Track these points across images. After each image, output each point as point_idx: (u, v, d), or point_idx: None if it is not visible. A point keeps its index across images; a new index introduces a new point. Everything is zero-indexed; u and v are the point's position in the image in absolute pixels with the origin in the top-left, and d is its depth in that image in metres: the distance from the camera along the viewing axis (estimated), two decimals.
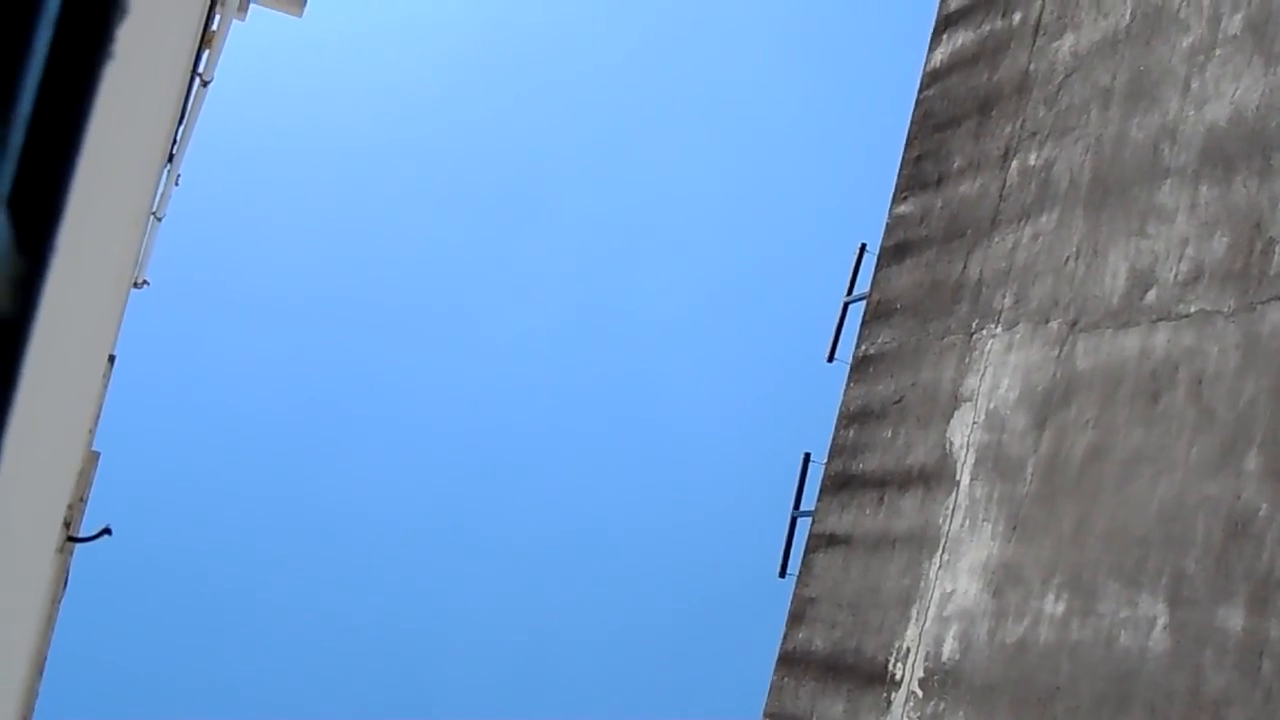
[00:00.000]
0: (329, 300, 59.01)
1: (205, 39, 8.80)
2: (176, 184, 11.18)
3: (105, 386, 8.27)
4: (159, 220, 10.89)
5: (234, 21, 9.73)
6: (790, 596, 10.13)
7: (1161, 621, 6.48)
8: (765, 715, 9.89)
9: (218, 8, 8.81)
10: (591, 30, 61.55)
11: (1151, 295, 7.23)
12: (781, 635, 10.06)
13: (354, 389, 58.25)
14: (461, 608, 56.58)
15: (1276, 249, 6.41)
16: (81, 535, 8.34)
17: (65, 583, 8.76)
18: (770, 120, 60.18)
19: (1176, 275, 7.07)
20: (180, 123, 9.27)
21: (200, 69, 9.22)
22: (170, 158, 9.67)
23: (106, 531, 8.57)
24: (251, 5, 10.82)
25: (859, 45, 59.34)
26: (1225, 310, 6.65)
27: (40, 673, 8.65)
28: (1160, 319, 7.10)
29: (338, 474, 56.92)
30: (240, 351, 57.17)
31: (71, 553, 8.47)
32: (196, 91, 9.54)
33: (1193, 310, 6.88)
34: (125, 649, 51.32)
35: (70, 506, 7.71)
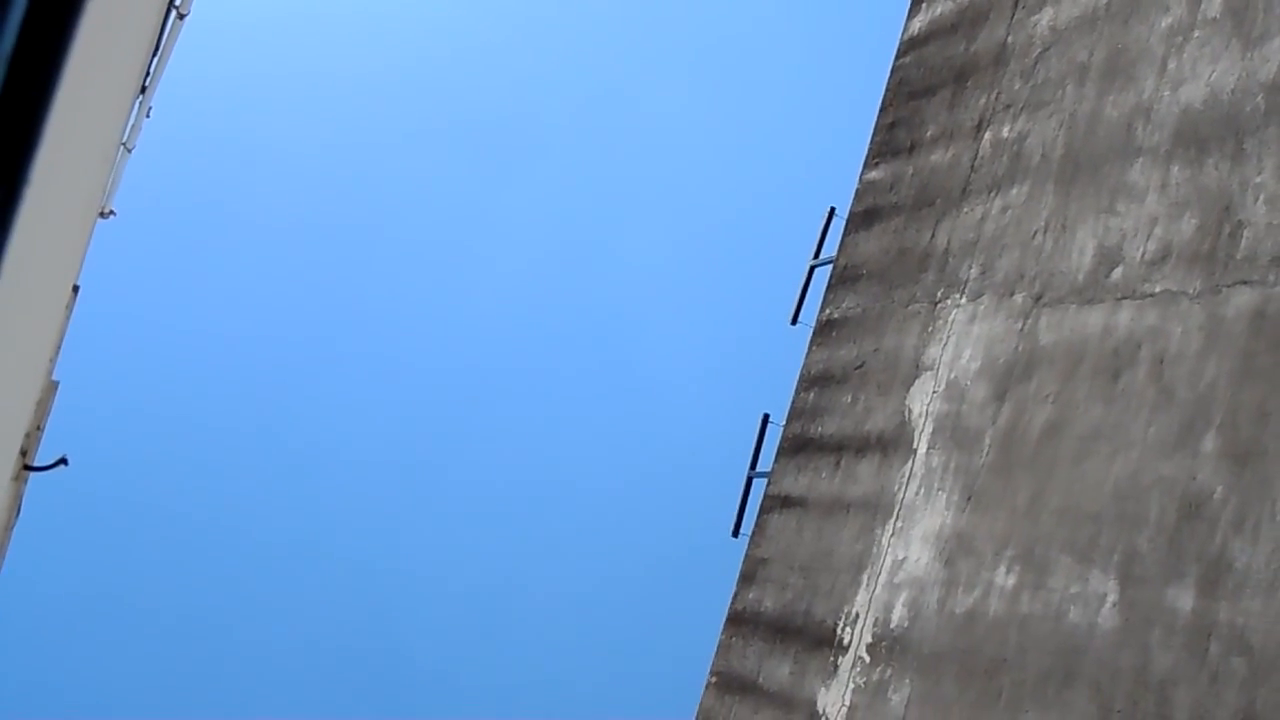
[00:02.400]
0: (305, 236, 58.76)
1: None
2: (148, 116, 11.10)
3: (68, 317, 8.18)
4: (129, 151, 10.80)
5: None
6: (743, 556, 10.12)
7: (1111, 599, 6.47)
8: (712, 673, 9.89)
9: None
10: None
11: (1118, 273, 7.21)
12: (732, 594, 10.05)
13: (326, 324, 57.99)
14: (422, 547, 56.50)
15: (1245, 233, 6.39)
16: (38, 464, 8.25)
17: (18, 511, 8.66)
18: (746, 82, 60.07)
19: (1144, 254, 7.05)
20: (154, 56, 9.17)
21: (177, 2, 9.10)
22: (143, 89, 9.57)
23: (63, 461, 8.47)
24: None
25: (839, 10, 59.18)
26: (1190, 291, 6.63)
27: None
28: (1125, 297, 7.08)
29: (307, 408, 56.72)
30: (210, 285, 56.88)
31: (26, 481, 8.37)
32: (172, 25, 9.42)
33: (1158, 290, 6.86)
34: (80, 576, 51.16)
35: (28, 435, 7.63)
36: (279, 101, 59.01)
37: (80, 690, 50.56)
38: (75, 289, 8.04)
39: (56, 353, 8.33)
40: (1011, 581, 7.18)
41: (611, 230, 59.79)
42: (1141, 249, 7.07)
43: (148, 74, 9.28)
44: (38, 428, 7.99)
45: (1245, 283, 6.30)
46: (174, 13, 9.12)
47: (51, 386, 8.18)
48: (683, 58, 60.66)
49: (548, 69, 60.74)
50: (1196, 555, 6.07)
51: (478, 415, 59.14)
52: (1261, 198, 6.37)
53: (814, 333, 10.35)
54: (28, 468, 7.93)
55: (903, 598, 8.03)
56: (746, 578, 9.95)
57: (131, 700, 50.32)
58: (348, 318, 58.86)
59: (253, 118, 58.35)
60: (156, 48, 9.11)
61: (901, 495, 8.40)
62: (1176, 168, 6.99)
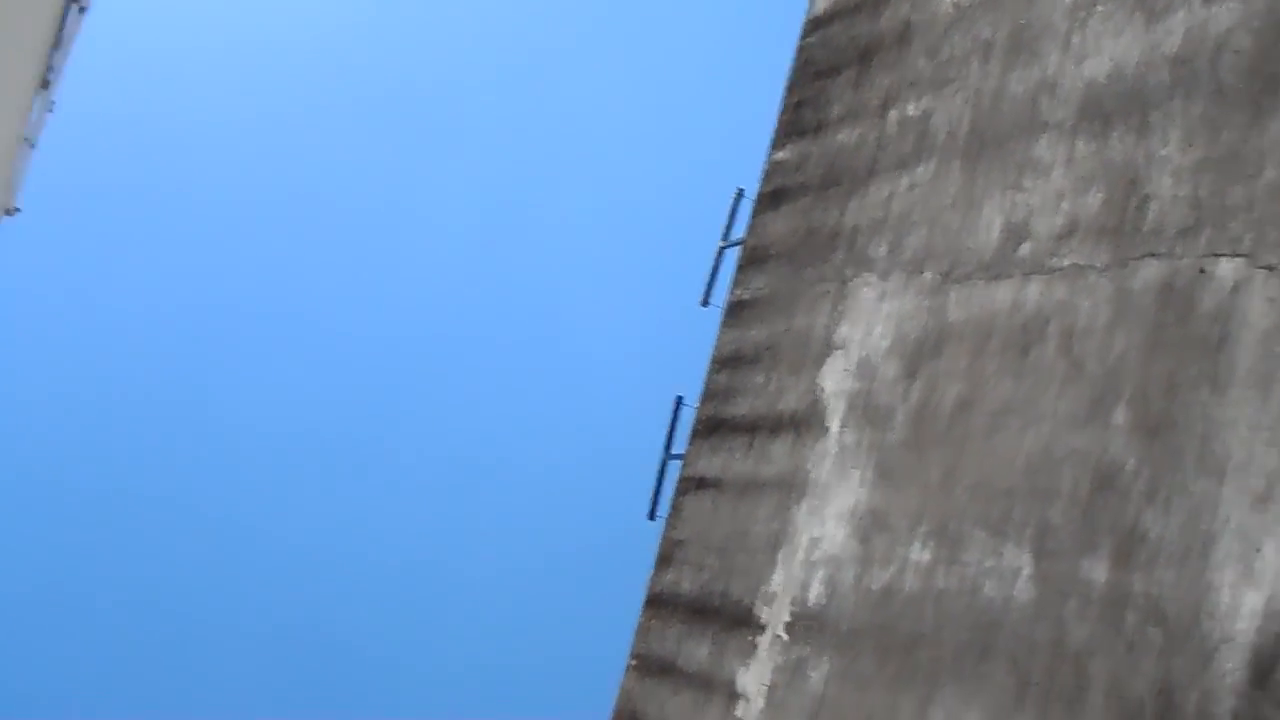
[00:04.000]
0: (223, 218, 58.25)
1: None
2: (50, 110, 10.95)
3: None
4: (31, 146, 10.64)
5: None
6: (659, 539, 10.09)
7: (1026, 572, 6.47)
8: (632, 656, 9.86)
9: None
10: None
11: (1025, 248, 7.20)
12: (649, 577, 10.01)
13: (245, 305, 57.55)
14: (337, 528, 56.19)
15: (1151, 205, 6.39)
16: None
17: None
18: (654, 63, 60.05)
19: (1050, 229, 7.05)
20: (55, 47, 9.04)
21: None
22: (45, 84, 9.44)
23: None
24: None
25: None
26: (1098, 265, 6.63)
27: None
28: (1033, 272, 7.07)
29: (229, 393, 56.25)
30: (125, 273, 56.33)
31: None
32: (73, 16, 9.29)
33: (1065, 264, 6.85)
34: None
35: None
36: (191, 87, 58.45)
37: None
38: None
39: None
40: (926, 557, 7.17)
41: (521, 213, 59.63)
42: (1048, 224, 7.07)
43: (49, 68, 9.16)
44: None
45: (1153, 255, 6.31)
46: (74, 6, 9.00)
47: None
48: (594, 38, 60.57)
49: (463, 49, 60.44)
50: (1110, 527, 6.07)
51: (393, 396, 58.79)
52: (1167, 170, 6.37)
53: (725, 314, 10.33)
54: None
55: (819, 576, 8.01)
56: (663, 560, 9.93)
57: (40, 697, 49.63)
58: (265, 299, 58.34)
59: (164, 105, 57.71)
60: (57, 41, 8.97)
61: (815, 474, 8.38)
62: (1082, 142, 6.98)
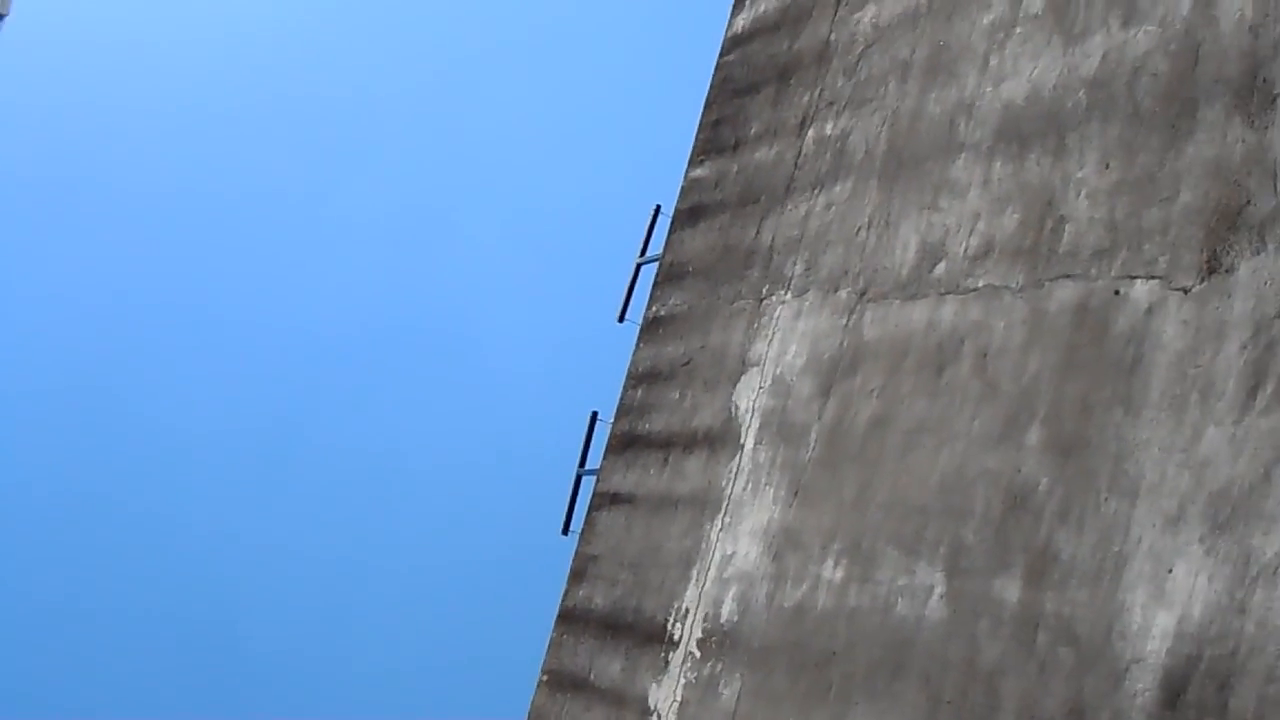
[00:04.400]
0: (138, 225, 57.80)
1: None
2: None
3: None
4: None
5: None
6: (573, 554, 10.05)
7: (938, 591, 6.45)
8: (543, 672, 9.80)
9: None
10: None
11: (940, 268, 7.20)
12: (562, 592, 9.96)
13: (155, 315, 57.06)
14: (252, 538, 55.76)
15: (1067, 227, 6.40)
16: None
17: None
18: (572, 78, 60.08)
19: (966, 249, 7.05)
20: None
21: None
22: None
23: None
24: None
25: (665, 6, 59.28)
26: (1013, 286, 6.63)
27: None
28: (948, 292, 7.07)
29: (138, 400, 55.72)
30: (34, 281, 55.82)
31: None
32: None
33: (981, 285, 6.85)
34: None
35: None
36: (108, 101, 58.01)
37: None
38: None
39: None
40: (839, 575, 7.15)
41: (438, 226, 59.43)
42: (964, 244, 7.07)
43: None
44: None
45: (1068, 277, 6.31)
46: None
47: None
48: (512, 51, 60.49)
49: (380, 59, 60.19)
50: (1022, 546, 6.07)
51: (309, 407, 58.40)
52: (1083, 192, 6.38)
53: (641, 330, 10.29)
54: None
55: (732, 592, 7.98)
56: (576, 575, 9.88)
57: None
58: (175, 309, 57.83)
59: (79, 101, 57.23)
60: None
61: (729, 490, 8.34)
62: (999, 163, 6.99)
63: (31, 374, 54.52)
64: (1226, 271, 5.49)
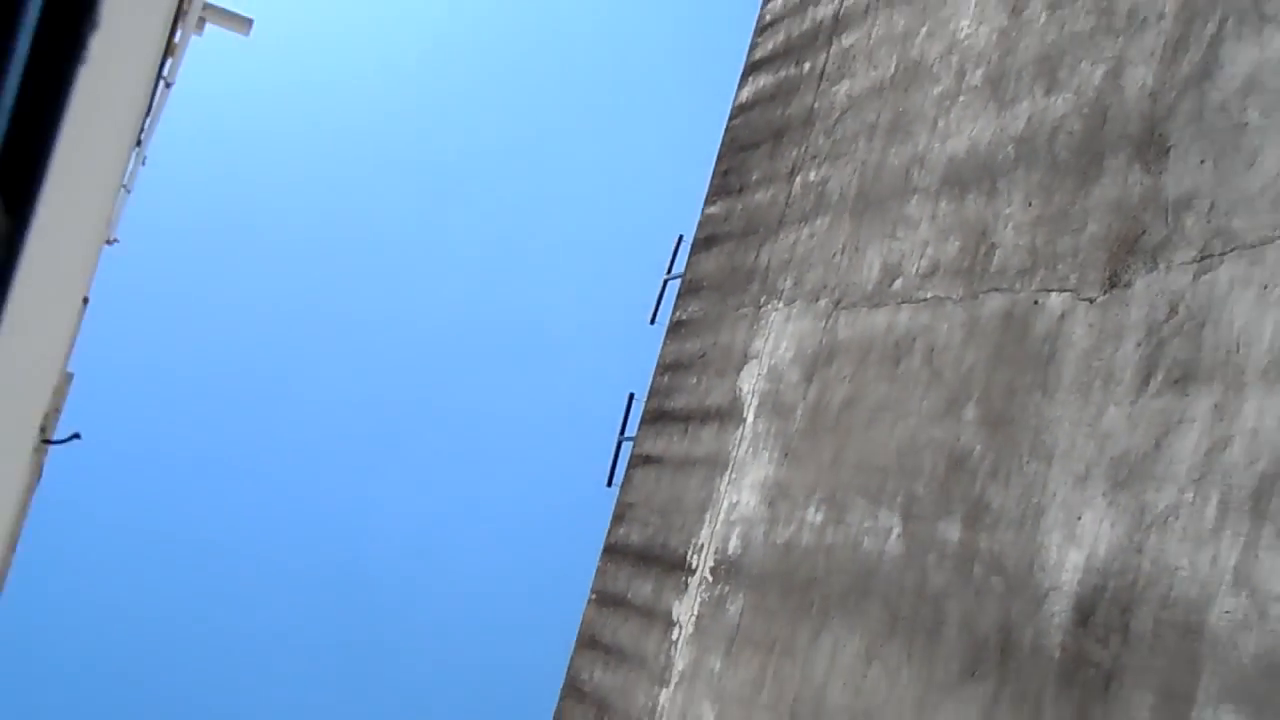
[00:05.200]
0: (294, 251, 58.29)
1: (169, 49, 8.45)
2: (143, 163, 10.81)
3: (79, 321, 7.86)
4: (128, 191, 10.49)
5: (193, 36, 9.39)
6: (614, 502, 10.06)
7: (896, 532, 6.37)
8: (592, 592, 9.79)
9: (179, 25, 8.48)
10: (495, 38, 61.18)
11: (898, 283, 7.10)
12: (607, 531, 9.96)
13: (312, 329, 57.39)
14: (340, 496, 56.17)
15: (996, 252, 6.29)
16: (55, 439, 7.95)
17: (39, 477, 8.33)
18: (621, 143, 60.79)
19: (918, 269, 6.96)
20: (147, 115, 8.88)
21: (164, 73, 8.87)
22: (139, 142, 9.31)
23: (76, 436, 8.18)
24: (207, 25, 10.54)
25: (685, 87, 59.70)
26: (954, 297, 6.53)
27: (12, 550, 8.21)
28: (904, 302, 6.97)
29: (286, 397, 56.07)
30: (194, 301, 56.16)
31: (46, 453, 8.05)
32: (161, 91, 9.21)
33: (929, 296, 6.75)
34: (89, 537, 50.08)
35: (46, 416, 7.35)
36: (262, 147, 58.47)
37: None
38: (85, 300, 7.66)
39: (70, 349, 7.96)
40: (819, 519, 7.06)
41: (525, 247, 60.08)
42: (916, 265, 6.97)
43: (142, 129, 9.02)
44: (56, 410, 7.73)
45: (997, 290, 6.21)
46: (162, 81, 8.90)
47: (67, 376, 7.90)
48: (579, 118, 61.22)
49: (479, 111, 60.80)
50: (961, 498, 5.98)
51: (399, 387, 58.77)
52: (1010, 225, 6.26)
53: (667, 331, 10.28)
54: (46, 441, 7.64)
55: (736, 532, 7.92)
56: (618, 518, 9.86)
57: None
58: (331, 325, 58.27)
59: (229, 168, 57.65)
60: (149, 109, 8.79)
61: (735, 454, 8.29)
62: (944, 203, 6.87)
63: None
64: (1125, 286, 5.35)
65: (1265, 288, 4.63)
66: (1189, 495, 4.67)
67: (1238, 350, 4.66)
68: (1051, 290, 5.81)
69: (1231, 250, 4.84)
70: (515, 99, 60.70)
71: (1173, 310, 5.03)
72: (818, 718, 6.46)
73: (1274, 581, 4.23)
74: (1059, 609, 5.13)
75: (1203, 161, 5.12)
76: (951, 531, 5.94)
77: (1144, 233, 5.34)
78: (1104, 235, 5.57)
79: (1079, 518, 5.19)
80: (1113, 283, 5.43)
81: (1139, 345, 5.17)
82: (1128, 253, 5.40)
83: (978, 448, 5.97)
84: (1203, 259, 4.97)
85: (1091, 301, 5.53)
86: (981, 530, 5.74)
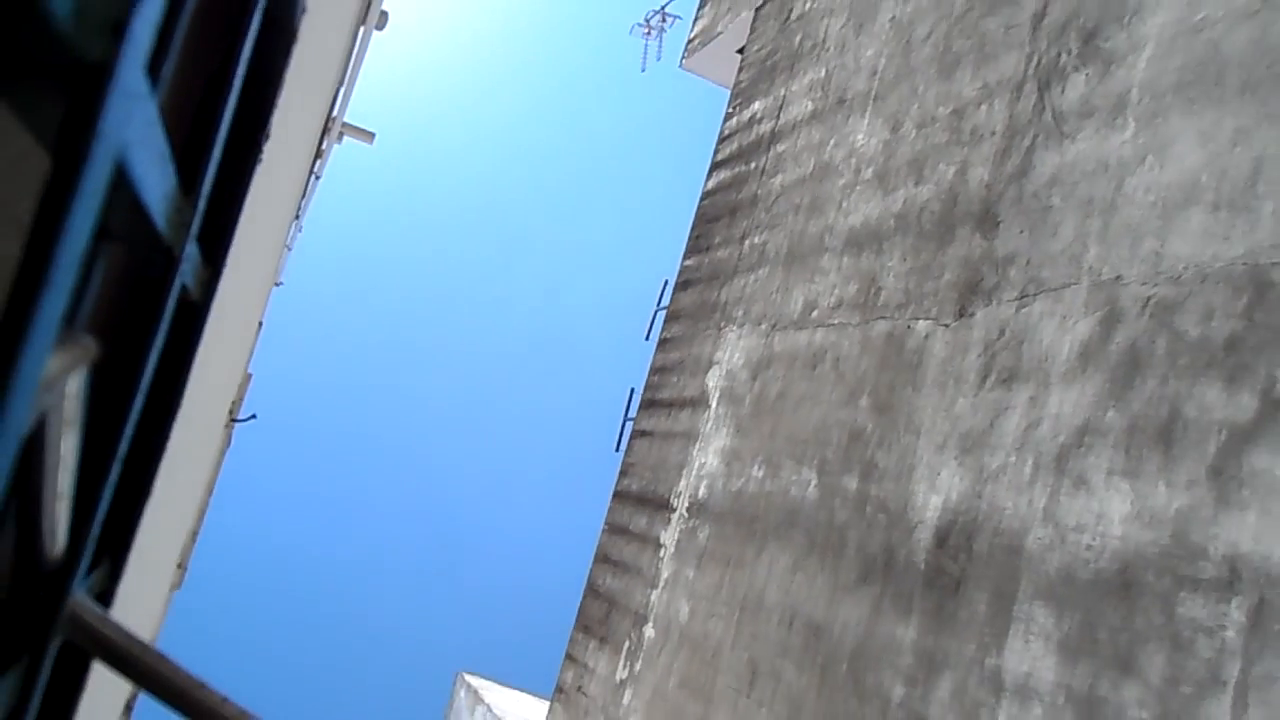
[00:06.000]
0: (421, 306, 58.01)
1: (318, 153, 8.43)
2: (300, 230, 10.79)
3: (256, 338, 7.82)
4: (289, 250, 10.48)
5: (335, 145, 9.41)
6: (620, 461, 10.00)
7: (813, 483, 6.32)
8: (605, 524, 9.71)
9: (325, 136, 8.47)
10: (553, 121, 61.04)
11: (815, 313, 7.06)
12: (615, 482, 9.90)
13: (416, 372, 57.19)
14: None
15: (881, 292, 6.26)
16: (239, 418, 7.90)
17: (228, 447, 8.25)
18: (630, 209, 60.55)
19: (829, 304, 6.91)
20: (303, 197, 8.88)
21: (315, 169, 8.85)
22: (297, 215, 9.30)
23: (253, 417, 8.16)
24: (344, 136, 10.57)
25: (670, 178, 59.51)
26: (853, 323, 6.49)
27: (201, 519, 7.92)
28: (819, 326, 6.93)
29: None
30: (333, 322, 55.94)
31: (232, 429, 7.99)
32: (312, 182, 9.20)
33: (836, 322, 6.71)
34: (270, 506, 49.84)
35: (233, 403, 7.31)
36: (381, 224, 58.26)
37: None
38: (260, 324, 7.62)
39: (250, 356, 7.91)
40: (760, 474, 7.02)
41: (566, 292, 59.89)
42: (827, 301, 6.94)
43: (299, 208, 9.02)
44: (239, 399, 7.67)
45: (882, 318, 6.17)
46: (313, 176, 8.90)
47: (246, 377, 7.86)
48: (606, 205, 61.04)
49: (529, 165, 60.65)
50: (858, 460, 5.94)
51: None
52: (891, 274, 6.23)
53: (657, 346, 10.21)
54: (233, 420, 7.61)
55: (704, 483, 7.87)
56: (624, 473, 9.80)
57: None
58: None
59: (364, 230, 57.47)
60: (304, 194, 8.75)
61: (703, 429, 8.24)
62: (846, 258, 6.84)
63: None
64: (970, 315, 5.34)
65: (1064, 318, 4.65)
66: (1013, 458, 4.68)
67: (1046, 360, 4.68)
68: (920, 319, 5.80)
69: (1041, 292, 4.86)
70: (565, 196, 60.72)
71: (1002, 332, 5.04)
72: (760, 610, 6.45)
73: (1071, 517, 4.24)
74: (924, 536, 5.13)
75: (1021, 231, 5.14)
76: (851, 483, 5.93)
77: (982, 279, 5.35)
78: (955, 281, 5.57)
79: (938, 474, 5.19)
80: (961, 313, 5.43)
81: (979, 356, 5.17)
82: (972, 293, 5.40)
83: (869, 426, 5.96)
84: (1022, 298, 4.98)
85: (947, 326, 5.52)
86: (872, 482, 5.73)
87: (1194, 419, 3.81)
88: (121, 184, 1.14)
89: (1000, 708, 4.23)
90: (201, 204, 1.79)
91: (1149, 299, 4.17)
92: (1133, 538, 3.89)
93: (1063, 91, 5.12)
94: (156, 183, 1.32)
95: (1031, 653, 4.16)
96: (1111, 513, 4.01)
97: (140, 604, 4.07)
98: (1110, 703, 3.76)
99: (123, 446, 1.89)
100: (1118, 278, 4.36)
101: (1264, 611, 3.34)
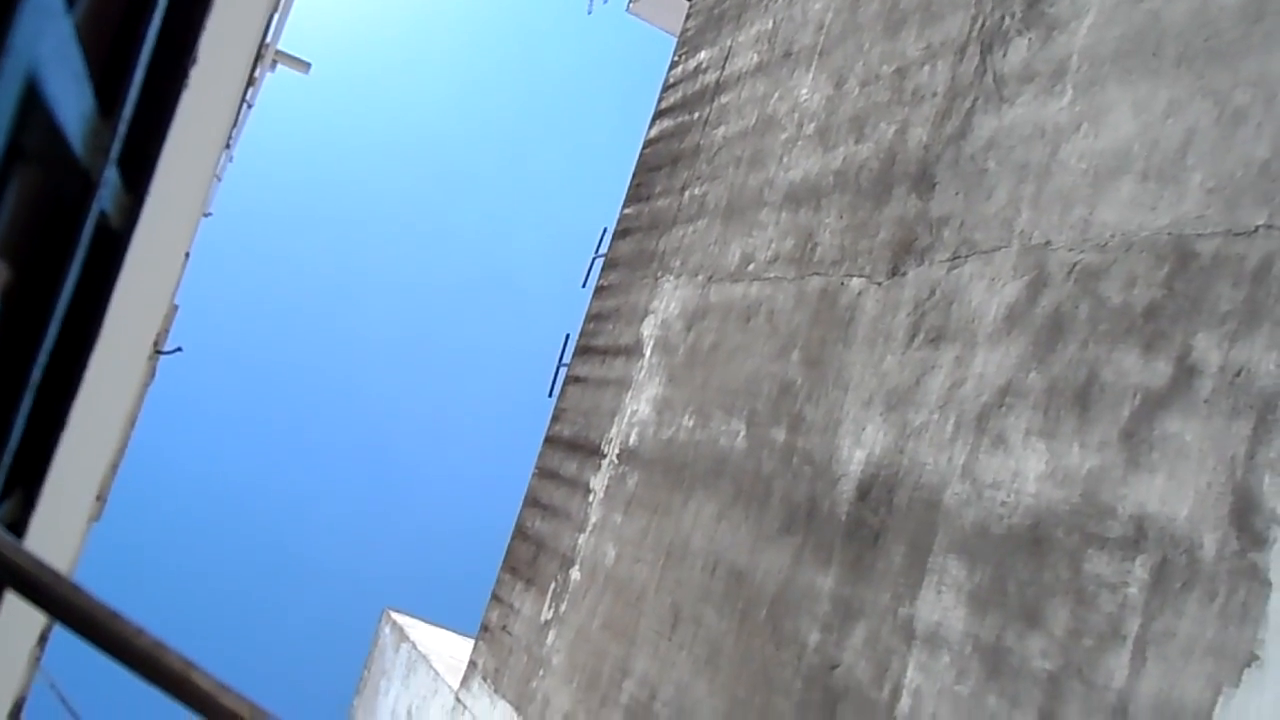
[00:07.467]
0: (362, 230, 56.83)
1: (250, 80, 8.17)
2: (231, 160, 10.49)
3: (183, 268, 7.60)
4: (219, 180, 10.19)
5: (268, 72, 9.12)
6: (553, 407, 9.97)
7: (742, 434, 6.38)
8: (535, 468, 9.71)
9: (258, 64, 8.21)
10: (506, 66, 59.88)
11: (751, 267, 7.08)
12: (546, 426, 9.87)
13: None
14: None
15: (818, 248, 6.29)
16: (164, 350, 7.70)
17: (153, 380, 8.05)
18: (568, 157, 59.90)
19: (765, 257, 6.93)
20: (234, 126, 8.61)
21: (246, 97, 8.60)
22: (228, 145, 9.02)
23: (179, 349, 7.97)
24: (278, 65, 10.25)
25: (614, 123, 58.97)
26: (788, 277, 6.53)
27: (123, 452, 7.78)
28: (755, 279, 6.95)
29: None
30: (262, 254, 54.76)
31: (156, 361, 7.79)
32: (244, 110, 8.93)
33: (772, 275, 6.74)
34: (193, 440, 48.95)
35: (158, 335, 7.11)
36: (314, 151, 56.97)
37: None
38: (187, 254, 7.41)
39: (176, 287, 7.70)
40: (691, 423, 7.07)
41: (507, 230, 59.15)
42: (764, 255, 6.96)
43: (230, 137, 8.75)
44: (165, 331, 7.49)
45: (817, 274, 6.22)
46: (245, 103, 8.64)
47: (173, 309, 7.66)
48: (556, 146, 60.21)
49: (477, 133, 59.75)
50: (786, 413, 6.00)
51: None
52: (828, 230, 6.27)
53: (594, 293, 10.16)
54: (157, 352, 7.41)
55: (635, 430, 7.91)
56: (555, 418, 9.78)
57: None
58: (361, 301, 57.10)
59: (295, 160, 56.16)
60: (235, 120, 8.51)
61: (636, 378, 8.25)
62: (785, 213, 6.86)
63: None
64: (902, 275, 5.41)
65: (993, 280, 4.73)
66: (935, 416, 4.77)
67: (973, 321, 4.76)
68: (854, 276, 5.85)
69: (973, 254, 4.93)
70: (505, 135, 59.75)
71: (932, 292, 5.11)
72: (684, 556, 6.53)
73: (988, 475, 4.35)
74: (847, 488, 5.22)
75: (956, 193, 5.19)
76: (779, 434, 5.99)
77: (916, 239, 5.40)
78: (890, 240, 5.62)
79: (864, 429, 5.27)
80: (894, 272, 5.49)
81: (909, 315, 5.24)
82: (905, 253, 5.46)
83: (799, 379, 6.02)
84: (954, 259, 5.05)
85: (880, 284, 5.58)
86: (799, 434, 5.80)
87: (1111, 383, 3.92)
88: (34, 103, 1.09)
89: (910, 655, 4.37)
90: (123, 128, 1.72)
91: (1075, 265, 4.26)
92: (1045, 495, 4.01)
93: (1004, 55, 5.16)
94: (72, 103, 1.27)
95: (943, 603, 4.29)
96: (1027, 471, 4.13)
97: (56, 535, 3.97)
98: (1015, 653, 3.91)
99: (36, 375, 1.83)
100: (1047, 243, 4.44)
101: (1166, 570, 3.48)
